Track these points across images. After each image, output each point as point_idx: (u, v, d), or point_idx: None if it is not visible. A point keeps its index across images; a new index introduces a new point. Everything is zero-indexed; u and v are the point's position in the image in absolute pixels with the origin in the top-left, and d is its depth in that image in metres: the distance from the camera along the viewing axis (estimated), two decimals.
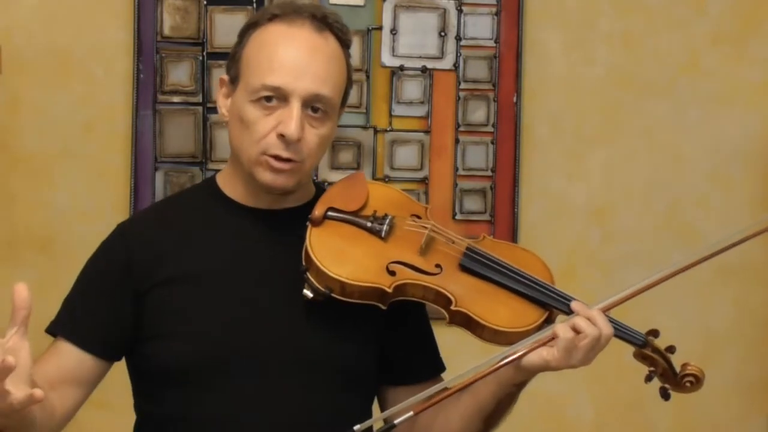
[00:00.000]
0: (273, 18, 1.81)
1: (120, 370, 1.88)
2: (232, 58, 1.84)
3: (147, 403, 1.85)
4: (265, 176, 1.78)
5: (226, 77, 1.85)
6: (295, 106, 1.75)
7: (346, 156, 3.03)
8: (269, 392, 1.77)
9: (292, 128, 1.74)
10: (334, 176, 2.98)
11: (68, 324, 1.84)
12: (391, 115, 3.05)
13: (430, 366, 1.94)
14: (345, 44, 1.84)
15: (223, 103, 1.85)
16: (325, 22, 1.81)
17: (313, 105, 1.77)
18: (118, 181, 2.94)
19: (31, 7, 2.91)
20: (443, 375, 1.93)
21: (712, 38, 3.16)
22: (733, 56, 3.17)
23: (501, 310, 1.78)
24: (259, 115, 1.76)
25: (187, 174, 2.96)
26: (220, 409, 1.77)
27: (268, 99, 1.76)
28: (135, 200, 2.92)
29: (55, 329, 1.85)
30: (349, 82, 1.86)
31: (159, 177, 2.95)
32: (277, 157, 1.76)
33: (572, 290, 3.19)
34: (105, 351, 1.83)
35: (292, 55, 1.77)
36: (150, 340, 1.81)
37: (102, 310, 1.82)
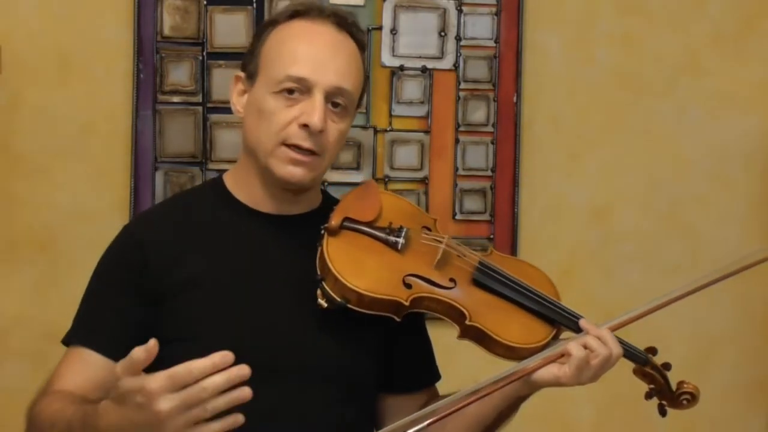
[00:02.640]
0: (294, 15, 1.84)
1: None
2: (250, 54, 1.86)
3: None
4: (283, 169, 1.78)
5: (242, 74, 1.86)
6: (319, 98, 1.77)
7: (346, 156, 3.03)
8: (279, 399, 1.77)
9: (315, 118, 1.75)
10: (334, 176, 2.98)
11: (91, 333, 1.82)
12: (391, 115, 3.05)
13: (429, 374, 1.96)
14: (362, 47, 1.88)
15: (237, 101, 1.86)
16: (345, 23, 1.84)
17: (334, 99, 1.79)
18: (118, 181, 2.94)
19: (31, 7, 2.91)
20: (438, 384, 1.96)
21: (712, 38, 3.16)
22: (733, 56, 3.17)
23: (513, 325, 1.79)
24: (281, 106, 1.78)
25: (187, 174, 2.96)
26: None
27: (291, 91, 1.78)
28: (135, 200, 2.92)
29: (77, 340, 1.82)
30: (364, 84, 1.89)
31: (159, 177, 2.95)
32: (297, 147, 1.77)
33: (573, 290, 3.20)
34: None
35: (316, 50, 1.80)
36: (160, 342, 1.79)
37: (123, 314, 1.81)
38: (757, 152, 3.17)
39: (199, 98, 2.97)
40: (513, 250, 3.04)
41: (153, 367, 1.81)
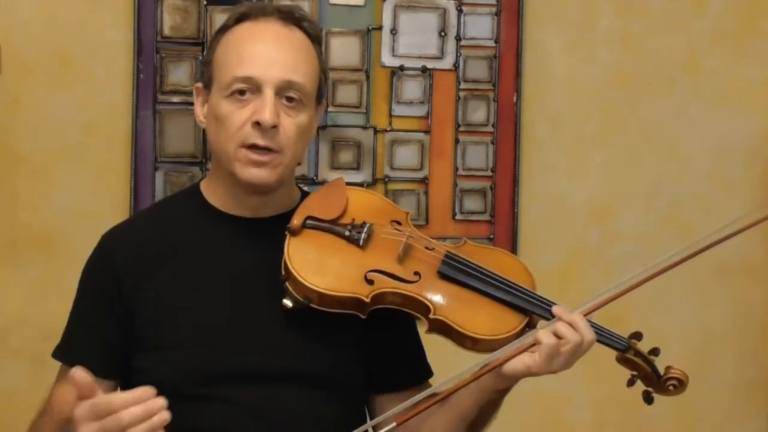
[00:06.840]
0: (240, 19, 1.83)
1: None
2: (205, 63, 1.86)
3: None
4: (246, 172, 1.78)
5: (200, 85, 1.86)
6: (269, 94, 1.76)
7: (346, 156, 3.03)
8: (255, 403, 1.78)
9: (266, 114, 1.75)
10: (335, 176, 2.98)
11: (71, 352, 1.85)
12: (391, 115, 3.05)
13: (416, 373, 1.93)
14: (315, 39, 1.85)
15: (200, 111, 1.87)
16: (292, 18, 1.83)
17: (286, 94, 1.78)
18: (118, 181, 2.94)
19: (31, 7, 2.91)
20: (431, 380, 1.93)
21: (712, 38, 3.16)
22: (733, 56, 3.17)
23: (480, 317, 1.77)
24: (234, 109, 1.78)
25: (187, 174, 2.96)
26: (207, 420, 1.77)
27: (242, 92, 1.78)
28: (135, 200, 2.92)
29: (60, 356, 1.86)
30: (323, 77, 1.87)
31: (159, 177, 2.95)
32: (254, 147, 1.77)
33: (572, 290, 3.21)
34: (113, 372, 1.84)
35: (261, 47, 1.79)
36: (139, 354, 1.82)
37: (98, 332, 1.83)
38: (757, 152, 3.17)
39: None
40: (513, 250, 3.04)
41: (136, 379, 1.82)
